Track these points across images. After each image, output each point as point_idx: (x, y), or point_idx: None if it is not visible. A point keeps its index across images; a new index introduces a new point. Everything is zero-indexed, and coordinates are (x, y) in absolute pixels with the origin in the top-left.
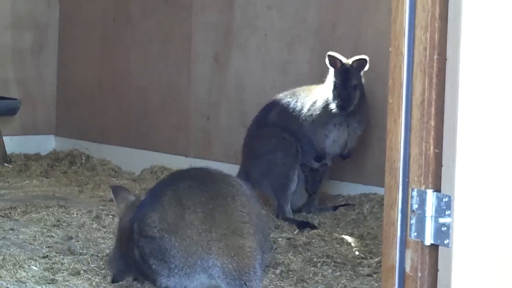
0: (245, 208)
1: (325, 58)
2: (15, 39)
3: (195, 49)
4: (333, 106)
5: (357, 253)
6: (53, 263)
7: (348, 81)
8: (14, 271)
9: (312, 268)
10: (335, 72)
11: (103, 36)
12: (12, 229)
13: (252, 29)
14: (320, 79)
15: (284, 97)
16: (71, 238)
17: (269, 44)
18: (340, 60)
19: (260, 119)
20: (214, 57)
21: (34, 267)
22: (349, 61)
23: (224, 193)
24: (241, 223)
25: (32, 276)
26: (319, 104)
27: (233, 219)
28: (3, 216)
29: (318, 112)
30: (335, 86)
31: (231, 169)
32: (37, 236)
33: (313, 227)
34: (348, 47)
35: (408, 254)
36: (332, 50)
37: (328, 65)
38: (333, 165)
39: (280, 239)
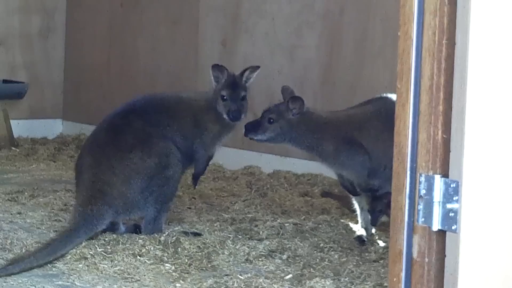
0: None
1: (332, 42)
2: (23, 23)
3: (202, 34)
4: None
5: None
6: None
7: None
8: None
9: (319, 254)
10: None
11: (111, 20)
12: (19, 213)
13: (260, 13)
14: (328, 64)
15: None
16: None
17: (276, 29)
18: None
19: None
20: (222, 42)
21: None
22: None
23: None
24: None
25: None
26: None
27: None
28: (10, 200)
29: None
30: None
31: (236, 154)
32: (44, 220)
33: None
34: (356, 32)
35: (416, 239)
36: (340, 35)
37: None
38: None
39: (287, 224)
